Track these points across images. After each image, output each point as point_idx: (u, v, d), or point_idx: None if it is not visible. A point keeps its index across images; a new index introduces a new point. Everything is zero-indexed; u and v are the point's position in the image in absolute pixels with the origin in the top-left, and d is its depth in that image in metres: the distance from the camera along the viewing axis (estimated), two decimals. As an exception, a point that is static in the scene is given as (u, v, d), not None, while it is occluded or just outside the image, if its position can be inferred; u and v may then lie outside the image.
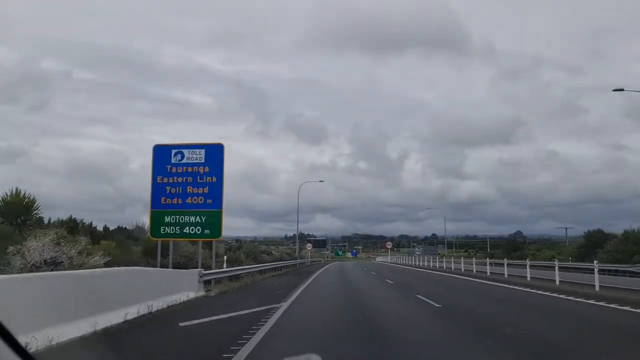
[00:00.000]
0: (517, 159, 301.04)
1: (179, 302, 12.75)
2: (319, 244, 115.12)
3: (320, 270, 42.91)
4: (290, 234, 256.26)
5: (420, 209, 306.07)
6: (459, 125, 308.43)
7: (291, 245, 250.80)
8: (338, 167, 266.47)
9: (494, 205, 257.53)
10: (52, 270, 10.55)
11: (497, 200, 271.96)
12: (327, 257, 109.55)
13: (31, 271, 10.44)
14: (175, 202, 18.54)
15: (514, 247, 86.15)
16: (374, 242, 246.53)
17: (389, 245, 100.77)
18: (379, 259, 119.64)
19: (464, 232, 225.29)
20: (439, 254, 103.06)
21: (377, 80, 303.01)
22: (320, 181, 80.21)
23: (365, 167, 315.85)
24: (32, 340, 6.05)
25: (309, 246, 78.88)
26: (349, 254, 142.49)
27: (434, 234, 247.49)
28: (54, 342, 6.66)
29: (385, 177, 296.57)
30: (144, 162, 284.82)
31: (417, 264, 63.49)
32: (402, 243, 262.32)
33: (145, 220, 27.66)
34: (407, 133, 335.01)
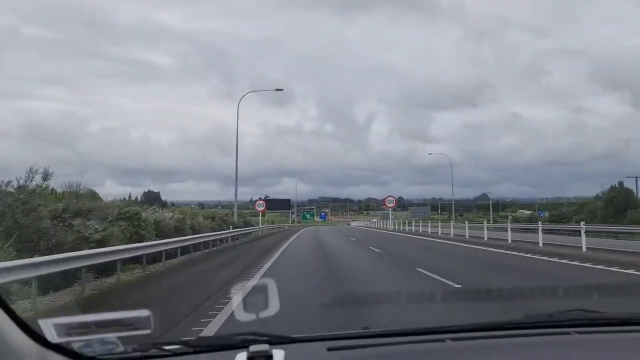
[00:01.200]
0: (482, 122, 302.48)
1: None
2: (281, 205, 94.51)
3: (283, 247, 25.03)
4: (256, 197, 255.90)
5: (386, 172, 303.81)
6: (426, 88, 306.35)
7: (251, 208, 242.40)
8: (304, 130, 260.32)
9: (459, 168, 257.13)
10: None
11: (462, 163, 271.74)
12: (293, 222, 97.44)
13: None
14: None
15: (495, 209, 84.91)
16: (342, 205, 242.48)
17: (391, 202, 68.58)
18: (353, 223, 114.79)
19: (429, 195, 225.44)
20: (433, 217, 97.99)
21: (345, 41, 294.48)
22: (279, 89, 49.00)
23: (331, 130, 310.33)
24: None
25: (259, 205, 56.16)
26: (318, 218, 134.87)
27: (400, 197, 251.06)
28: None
29: (352, 140, 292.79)
30: (105, 125, 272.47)
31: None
32: (372, 206, 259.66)
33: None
34: (374, 96, 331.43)
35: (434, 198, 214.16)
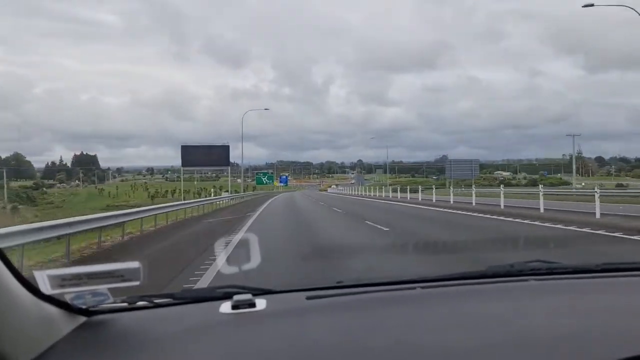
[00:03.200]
0: (440, 84, 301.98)
1: None
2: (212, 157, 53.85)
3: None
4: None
5: (345, 136, 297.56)
6: (385, 49, 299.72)
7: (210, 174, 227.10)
8: (261, 93, 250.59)
9: (416, 131, 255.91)
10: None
11: (418, 126, 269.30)
12: (246, 188, 69.14)
13: None
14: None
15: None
16: (302, 168, 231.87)
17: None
18: (331, 189, 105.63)
19: (388, 158, 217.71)
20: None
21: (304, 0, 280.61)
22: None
23: (289, 92, 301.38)
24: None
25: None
26: (278, 182, 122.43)
27: (359, 160, 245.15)
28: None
29: (309, 103, 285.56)
30: (51, 87, 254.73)
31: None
32: (334, 169, 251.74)
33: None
34: (332, 57, 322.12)
35: (393, 161, 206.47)
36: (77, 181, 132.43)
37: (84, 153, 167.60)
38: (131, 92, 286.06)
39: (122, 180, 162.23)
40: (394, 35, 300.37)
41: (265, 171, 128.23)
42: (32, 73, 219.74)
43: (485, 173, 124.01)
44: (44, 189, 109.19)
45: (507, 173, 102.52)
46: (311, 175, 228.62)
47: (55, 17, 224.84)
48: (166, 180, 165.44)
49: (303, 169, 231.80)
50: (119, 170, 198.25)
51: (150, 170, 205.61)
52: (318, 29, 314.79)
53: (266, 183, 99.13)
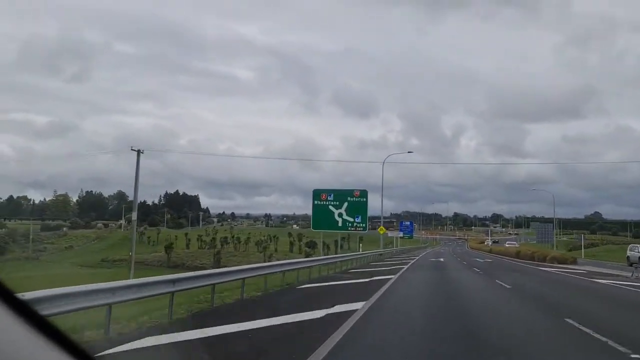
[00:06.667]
0: (583, 135, 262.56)
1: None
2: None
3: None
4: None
5: (474, 189, 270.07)
6: (519, 98, 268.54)
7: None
8: (388, 144, 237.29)
9: (554, 185, 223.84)
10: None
11: (557, 180, 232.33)
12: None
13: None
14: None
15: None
16: (431, 220, 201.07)
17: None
18: (489, 243, 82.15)
19: (520, 213, 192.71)
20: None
21: (427, 47, 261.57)
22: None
23: (416, 143, 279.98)
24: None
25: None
26: (385, 230, 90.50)
27: (494, 214, 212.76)
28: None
29: (437, 154, 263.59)
30: (191, 138, 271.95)
31: None
32: (470, 221, 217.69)
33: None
34: (461, 107, 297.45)
35: (534, 216, 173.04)
36: (124, 220, 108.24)
37: (182, 192, 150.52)
38: (262, 143, 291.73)
39: (221, 224, 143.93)
40: (529, 83, 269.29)
41: (390, 220, 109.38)
42: (176, 125, 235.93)
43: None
44: (64, 229, 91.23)
45: None
46: (445, 226, 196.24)
47: (197, 73, 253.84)
48: (266, 225, 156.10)
49: (433, 220, 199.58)
50: (222, 215, 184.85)
51: (268, 217, 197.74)
52: (447, 78, 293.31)
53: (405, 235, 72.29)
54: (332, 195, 36.54)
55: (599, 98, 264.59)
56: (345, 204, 35.80)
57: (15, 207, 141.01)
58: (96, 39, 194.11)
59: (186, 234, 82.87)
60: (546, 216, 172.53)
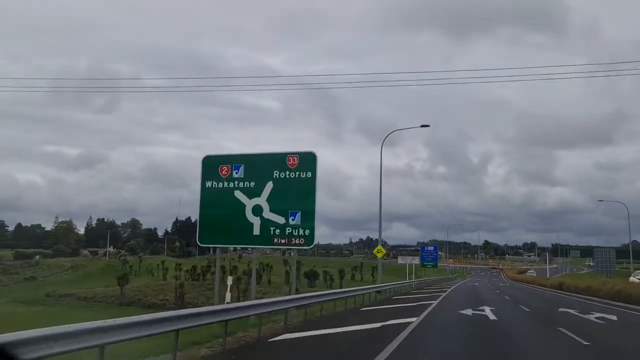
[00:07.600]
0: (617, 161, 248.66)
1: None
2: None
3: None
4: (356, 239, 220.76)
5: (503, 218, 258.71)
6: (548, 124, 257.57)
7: (354, 250, 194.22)
8: (414, 172, 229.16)
9: (587, 214, 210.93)
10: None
11: (589, 208, 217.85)
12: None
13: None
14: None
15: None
16: (459, 248, 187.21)
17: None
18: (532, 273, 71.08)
19: (551, 242, 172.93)
20: None
21: (453, 73, 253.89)
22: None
23: (443, 172, 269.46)
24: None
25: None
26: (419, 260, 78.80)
27: (525, 243, 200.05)
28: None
29: (464, 182, 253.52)
30: None
31: None
32: (502, 250, 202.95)
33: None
34: (488, 134, 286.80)
35: (568, 245, 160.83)
36: (112, 248, 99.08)
37: (194, 220, 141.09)
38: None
39: (237, 253, 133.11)
40: (559, 109, 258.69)
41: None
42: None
43: None
44: (37, 257, 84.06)
45: None
46: (475, 254, 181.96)
47: (225, 104, 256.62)
48: (283, 254, 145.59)
49: (462, 248, 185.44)
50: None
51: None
52: (473, 105, 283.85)
53: (426, 264, 59.96)
54: (240, 167, 18.67)
55: (630, 123, 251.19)
56: (269, 186, 18.12)
57: (20, 233, 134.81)
58: (126, 70, 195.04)
59: (178, 264, 72.29)
60: (580, 245, 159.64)
